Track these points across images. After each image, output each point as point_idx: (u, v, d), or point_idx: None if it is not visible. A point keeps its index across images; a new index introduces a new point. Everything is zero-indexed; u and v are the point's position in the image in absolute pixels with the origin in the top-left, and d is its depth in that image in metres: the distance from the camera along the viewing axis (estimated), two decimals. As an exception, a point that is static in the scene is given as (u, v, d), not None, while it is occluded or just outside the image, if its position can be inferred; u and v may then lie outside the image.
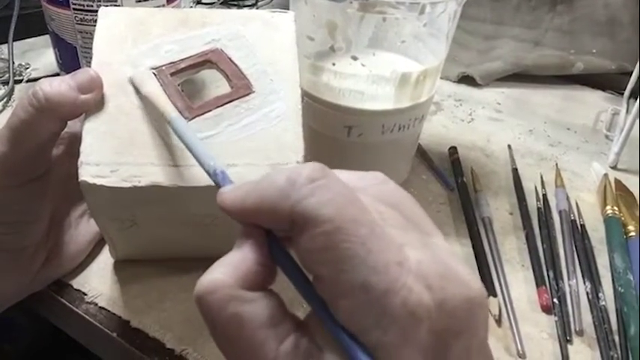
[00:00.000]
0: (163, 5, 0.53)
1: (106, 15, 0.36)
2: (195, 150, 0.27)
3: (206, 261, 0.40)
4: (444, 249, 0.21)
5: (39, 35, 0.70)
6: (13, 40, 0.64)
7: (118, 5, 0.49)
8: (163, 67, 0.34)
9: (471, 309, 0.19)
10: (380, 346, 0.18)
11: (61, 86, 0.31)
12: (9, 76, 0.62)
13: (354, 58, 0.44)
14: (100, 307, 0.37)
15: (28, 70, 0.66)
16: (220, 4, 0.87)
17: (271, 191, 0.20)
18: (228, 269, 0.20)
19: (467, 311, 0.19)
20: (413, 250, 0.19)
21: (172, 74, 0.34)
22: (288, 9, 0.44)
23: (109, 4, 0.49)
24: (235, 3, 0.90)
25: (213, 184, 0.32)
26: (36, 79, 0.64)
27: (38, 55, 0.68)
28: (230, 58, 0.35)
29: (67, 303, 0.38)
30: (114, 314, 0.37)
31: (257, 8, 0.88)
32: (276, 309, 0.20)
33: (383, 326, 0.18)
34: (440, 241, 0.22)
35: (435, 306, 0.18)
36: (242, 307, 0.20)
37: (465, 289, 0.19)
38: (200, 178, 0.32)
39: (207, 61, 0.35)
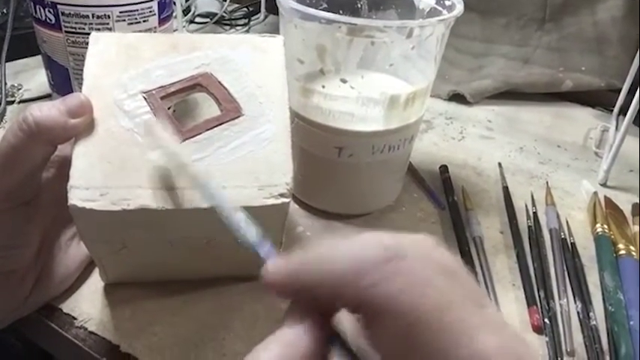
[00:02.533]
0: (155, 27, 0.53)
1: (97, 40, 0.36)
2: (233, 220, 0.26)
3: (197, 283, 0.40)
4: (500, 321, 0.20)
5: (31, 56, 0.70)
6: (6, 61, 0.64)
7: (110, 28, 0.49)
8: (153, 91, 0.35)
9: None
10: None
11: (51, 111, 0.32)
12: (1, 97, 0.62)
13: (344, 81, 0.44)
14: (90, 332, 0.37)
15: (20, 90, 0.66)
16: (212, 24, 0.88)
17: (337, 271, 0.20)
18: (286, 349, 0.20)
19: None
20: (489, 335, 0.19)
21: (162, 98, 0.35)
22: (278, 30, 0.44)
23: (100, 26, 0.49)
24: (227, 23, 0.90)
25: (201, 206, 0.32)
26: (28, 100, 0.64)
27: (31, 76, 0.69)
28: (220, 82, 0.36)
29: (57, 327, 0.38)
30: (103, 338, 0.37)
31: (249, 29, 0.89)
32: None
33: None
34: (493, 310, 0.21)
35: None
36: None
37: None
38: (189, 201, 0.32)
39: (197, 84, 0.36)
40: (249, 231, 0.25)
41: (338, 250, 0.20)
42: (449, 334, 0.18)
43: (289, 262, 0.22)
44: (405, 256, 0.19)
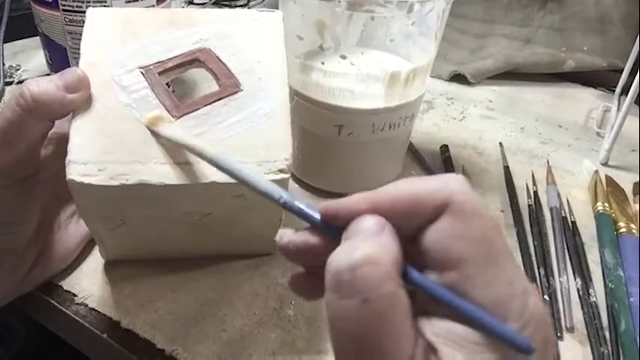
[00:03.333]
0: (153, 5, 0.52)
1: (93, 15, 0.36)
2: (254, 180, 0.25)
3: (197, 260, 0.40)
4: None
5: (29, 37, 0.70)
6: (4, 42, 0.64)
7: (108, 6, 0.49)
8: (151, 67, 0.34)
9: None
10: None
11: (48, 86, 0.31)
12: (-1, 78, 0.62)
13: (343, 57, 0.44)
14: (90, 308, 0.37)
15: (18, 71, 0.65)
16: (212, 4, 0.87)
17: (424, 183, 0.21)
18: (385, 248, 0.20)
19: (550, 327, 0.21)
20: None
21: (160, 73, 0.34)
22: (278, 9, 0.44)
23: (98, 4, 0.49)
24: (227, 3, 0.90)
25: (201, 181, 0.32)
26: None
27: (29, 57, 0.68)
28: (218, 57, 0.35)
29: (57, 304, 0.38)
30: (104, 315, 0.37)
31: (248, 8, 0.89)
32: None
33: (522, 319, 0.19)
34: None
35: (545, 315, 0.20)
36: (398, 289, 0.19)
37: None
38: (188, 176, 0.32)
39: (195, 60, 0.35)
40: (280, 189, 0.24)
41: (415, 177, 0.22)
42: (507, 249, 0.21)
43: (359, 194, 0.22)
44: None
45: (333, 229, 0.22)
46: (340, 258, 0.19)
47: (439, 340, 0.19)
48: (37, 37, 0.56)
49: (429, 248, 0.21)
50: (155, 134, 0.32)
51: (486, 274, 0.20)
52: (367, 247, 0.19)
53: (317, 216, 0.22)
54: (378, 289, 0.18)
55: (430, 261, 0.21)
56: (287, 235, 0.23)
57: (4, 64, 0.64)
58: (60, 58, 0.54)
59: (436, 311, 0.20)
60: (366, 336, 0.18)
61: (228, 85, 0.35)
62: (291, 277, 0.25)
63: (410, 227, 0.21)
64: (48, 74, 0.58)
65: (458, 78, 0.73)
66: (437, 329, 0.20)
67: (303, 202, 0.23)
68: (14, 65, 0.66)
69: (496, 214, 0.49)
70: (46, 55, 0.56)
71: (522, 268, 0.43)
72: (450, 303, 0.20)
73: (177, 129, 0.32)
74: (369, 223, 0.21)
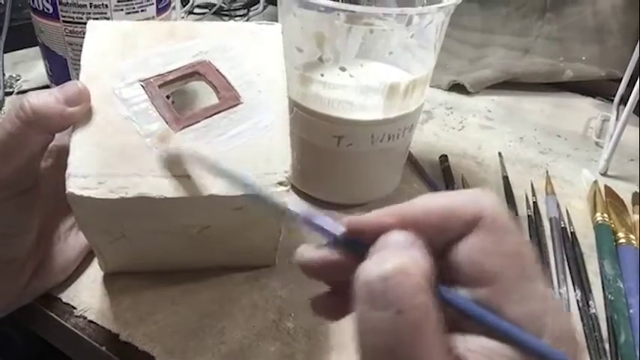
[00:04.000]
0: (153, 17, 0.53)
1: (94, 28, 0.36)
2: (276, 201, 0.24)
3: (196, 273, 0.40)
4: None
5: (30, 47, 0.70)
6: (4, 52, 0.64)
7: (108, 17, 0.49)
8: (151, 79, 0.34)
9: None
10: None
11: (48, 99, 0.31)
12: (-1, 88, 0.62)
13: (343, 69, 0.44)
14: (89, 321, 0.37)
15: (18, 81, 0.66)
16: (211, 14, 0.87)
17: (456, 196, 0.21)
18: (416, 260, 0.19)
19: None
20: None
21: (160, 86, 0.34)
22: (277, 20, 0.44)
23: (98, 16, 0.49)
24: (226, 13, 0.90)
25: (200, 194, 0.32)
26: (27, 91, 0.64)
27: (29, 67, 0.68)
28: (218, 70, 0.35)
29: (56, 317, 0.38)
30: (103, 327, 0.37)
31: (248, 19, 0.89)
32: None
33: (557, 336, 0.19)
34: None
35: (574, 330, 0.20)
36: (431, 301, 0.19)
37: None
38: (187, 189, 0.32)
39: (195, 72, 0.35)
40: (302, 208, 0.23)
41: (444, 192, 0.22)
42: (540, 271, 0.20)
43: (387, 208, 0.22)
44: None
45: (355, 245, 0.21)
46: (370, 268, 0.19)
47: (473, 355, 0.19)
48: (37, 47, 0.56)
49: (460, 263, 0.21)
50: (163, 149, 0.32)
51: (520, 290, 0.20)
52: (398, 258, 0.19)
53: (337, 231, 0.22)
54: (412, 299, 0.18)
55: (462, 276, 0.21)
56: (307, 251, 0.23)
57: (4, 75, 0.64)
58: (60, 68, 0.54)
59: (469, 327, 0.20)
60: (400, 348, 0.18)
61: (228, 98, 0.35)
62: (312, 300, 0.25)
63: (440, 242, 0.21)
64: (48, 85, 0.58)
65: (457, 88, 0.74)
66: (470, 345, 0.20)
67: (320, 216, 0.22)
68: (14, 75, 0.66)
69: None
70: (46, 65, 0.56)
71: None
72: (481, 319, 0.20)
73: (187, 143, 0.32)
74: (399, 237, 0.20)
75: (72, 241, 0.40)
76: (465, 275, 0.20)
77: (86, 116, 0.33)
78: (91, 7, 0.49)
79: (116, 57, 0.35)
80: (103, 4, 0.49)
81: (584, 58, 0.76)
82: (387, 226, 0.21)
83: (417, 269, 0.19)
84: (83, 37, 0.36)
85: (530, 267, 0.20)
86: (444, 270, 0.21)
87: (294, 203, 0.24)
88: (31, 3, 0.51)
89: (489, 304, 0.20)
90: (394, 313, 0.18)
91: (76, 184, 0.31)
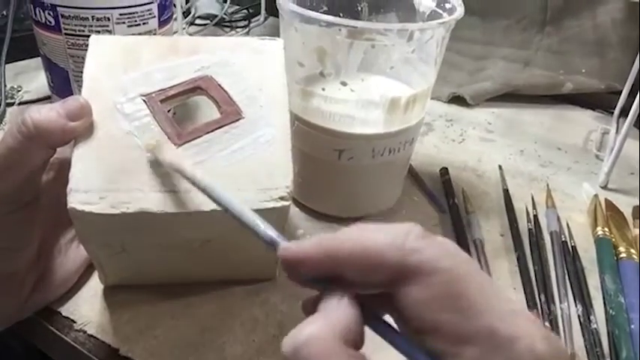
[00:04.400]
0: (155, 30, 0.53)
1: (96, 42, 0.36)
2: (245, 216, 0.25)
3: (197, 287, 0.40)
4: None
5: (31, 58, 0.70)
6: (5, 63, 0.64)
7: (110, 30, 0.49)
8: (153, 94, 0.34)
9: None
10: None
11: (50, 114, 0.31)
12: (1, 99, 0.62)
13: (344, 84, 0.44)
14: (89, 335, 0.37)
15: (20, 92, 0.66)
16: (213, 25, 0.88)
17: (381, 240, 0.20)
18: (328, 324, 0.20)
19: None
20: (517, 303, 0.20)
21: (162, 101, 0.34)
22: (278, 32, 0.44)
23: (100, 29, 0.49)
24: (228, 25, 0.90)
25: (201, 209, 0.32)
26: (28, 102, 0.64)
27: (30, 78, 0.68)
28: (220, 85, 0.36)
29: (56, 331, 0.37)
30: (103, 342, 0.36)
31: (249, 31, 0.89)
32: None
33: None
34: None
35: (551, 355, 0.19)
36: None
37: (562, 344, 0.20)
38: (188, 204, 0.32)
39: (197, 87, 0.35)
40: (268, 227, 0.24)
41: (375, 227, 0.21)
42: (488, 290, 0.20)
43: (321, 239, 0.21)
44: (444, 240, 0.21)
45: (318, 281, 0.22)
46: (286, 341, 0.20)
47: None
48: (39, 58, 0.56)
49: (402, 313, 0.20)
50: (154, 160, 0.32)
51: (461, 332, 0.19)
52: (311, 325, 0.19)
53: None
54: None
55: (410, 326, 0.20)
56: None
57: (5, 85, 0.64)
58: (62, 80, 0.54)
59: None
60: None
61: (230, 113, 0.35)
62: (303, 302, 0.25)
63: (376, 282, 0.21)
64: (49, 96, 0.58)
65: (457, 100, 0.74)
66: None
67: (287, 241, 0.23)
68: (16, 86, 0.67)
69: (496, 237, 0.49)
70: (47, 77, 0.56)
71: (522, 294, 0.43)
72: None
73: (175, 155, 0.32)
74: (331, 302, 0.21)
75: (72, 254, 0.40)
76: (411, 327, 0.20)
77: (88, 131, 0.33)
78: (93, 19, 0.49)
79: (118, 71, 0.35)
80: (105, 17, 0.49)
81: (584, 70, 0.76)
82: (318, 263, 0.21)
83: (333, 331, 0.19)
84: (85, 50, 0.36)
85: (469, 302, 0.19)
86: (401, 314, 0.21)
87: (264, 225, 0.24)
88: (34, 15, 0.51)
89: (437, 351, 0.19)
90: None
91: (77, 199, 0.31)
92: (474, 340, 0.19)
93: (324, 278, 0.21)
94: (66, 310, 0.38)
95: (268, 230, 0.23)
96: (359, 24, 0.38)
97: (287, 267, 0.22)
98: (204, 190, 0.28)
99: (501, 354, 0.18)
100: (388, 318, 0.22)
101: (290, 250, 0.22)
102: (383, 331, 0.21)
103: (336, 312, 0.20)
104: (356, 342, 0.20)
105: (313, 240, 0.21)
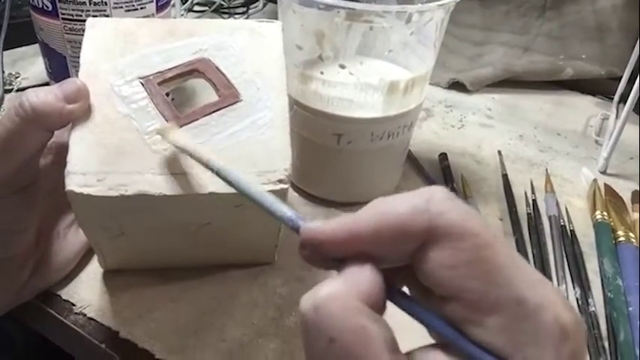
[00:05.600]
0: (153, 15, 0.53)
1: (93, 25, 0.36)
2: (261, 198, 0.24)
3: (196, 270, 0.40)
4: None
5: (29, 44, 0.70)
6: (3, 49, 0.64)
7: (107, 15, 0.49)
8: (151, 77, 0.34)
9: (586, 334, 0.19)
10: None
11: (48, 96, 0.31)
12: (-1, 86, 0.62)
13: (342, 67, 0.44)
14: (89, 318, 0.37)
15: (18, 79, 0.66)
16: (211, 12, 0.87)
17: (403, 207, 0.19)
18: (351, 283, 0.19)
19: (585, 334, 0.19)
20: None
21: (160, 83, 0.34)
22: (277, 18, 0.44)
23: (97, 13, 0.49)
24: (226, 11, 0.90)
25: (199, 192, 0.32)
26: (26, 89, 0.64)
27: (28, 65, 0.68)
28: (217, 68, 0.35)
29: (56, 314, 0.38)
30: (102, 325, 0.37)
31: (247, 17, 0.89)
32: (394, 337, 0.19)
33: (539, 342, 0.18)
34: None
35: (574, 326, 0.18)
36: (369, 323, 0.18)
37: (579, 314, 0.19)
38: (187, 187, 0.32)
39: (194, 70, 0.35)
40: (288, 209, 0.23)
41: (395, 197, 0.20)
42: (517, 258, 0.19)
43: (343, 218, 0.21)
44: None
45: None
46: (304, 300, 0.19)
47: None
48: (37, 45, 0.56)
49: (427, 278, 0.20)
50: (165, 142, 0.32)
51: (488, 299, 0.18)
52: (331, 284, 0.19)
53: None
54: (344, 325, 0.18)
55: (432, 292, 0.20)
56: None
57: (3, 72, 0.64)
58: (59, 66, 0.54)
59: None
60: None
61: (228, 96, 0.35)
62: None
63: (401, 253, 0.20)
64: (47, 82, 0.58)
65: (457, 86, 0.73)
66: None
67: (310, 222, 0.22)
68: (14, 73, 0.66)
69: (495, 222, 0.49)
70: (45, 63, 0.56)
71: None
72: (442, 333, 0.19)
73: (186, 138, 0.31)
74: (352, 267, 0.20)
75: (71, 238, 0.40)
76: (434, 290, 0.20)
77: (85, 113, 0.33)
78: (90, 4, 0.49)
79: (116, 54, 0.35)
80: (102, 1, 0.49)
81: (584, 56, 0.76)
82: (341, 244, 0.20)
83: (353, 291, 0.19)
84: (82, 35, 0.36)
85: (497, 270, 0.18)
86: (422, 282, 0.20)
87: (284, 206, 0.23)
88: (31, 1, 0.51)
89: (459, 319, 0.19)
90: (327, 341, 0.18)
91: (75, 182, 0.31)
92: (500, 309, 0.18)
93: (346, 258, 0.20)
94: (65, 293, 0.39)
95: (288, 212, 0.23)
96: (357, 6, 0.38)
97: (309, 248, 0.21)
98: (217, 173, 0.27)
99: (528, 323, 0.18)
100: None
101: (313, 230, 0.21)
102: (405, 304, 0.20)
103: (358, 275, 0.19)
104: (378, 306, 0.19)
105: (335, 220, 0.21)
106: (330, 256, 0.21)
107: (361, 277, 0.19)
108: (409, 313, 0.20)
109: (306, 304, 0.19)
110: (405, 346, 0.19)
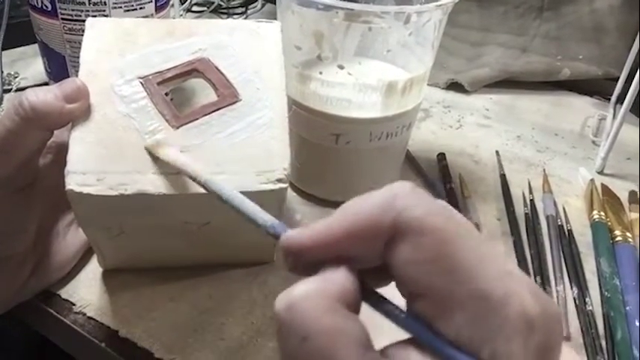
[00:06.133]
0: (152, 15, 0.53)
1: (93, 25, 0.36)
2: (243, 207, 0.25)
3: (195, 270, 0.40)
4: None
5: (28, 44, 0.70)
6: (2, 49, 0.64)
7: (106, 15, 0.49)
8: (150, 77, 0.34)
9: (559, 323, 0.19)
10: (501, 357, 0.17)
11: (47, 96, 0.31)
12: (-2, 86, 0.62)
13: (341, 67, 0.44)
14: (89, 317, 0.37)
15: (17, 79, 0.66)
16: (210, 12, 0.87)
17: (370, 206, 0.20)
18: (324, 283, 0.19)
19: (558, 325, 0.19)
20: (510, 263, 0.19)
21: (159, 83, 0.35)
22: (276, 19, 0.44)
23: (97, 13, 0.49)
24: (225, 12, 0.90)
25: (199, 191, 0.32)
26: (25, 88, 0.64)
27: (27, 64, 0.68)
28: (217, 67, 0.36)
29: (55, 313, 0.38)
30: (102, 324, 0.37)
31: (246, 17, 0.89)
32: (368, 335, 0.19)
33: (504, 336, 0.17)
34: None
35: (541, 317, 0.18)
36: (342, 321, 0.18)
37: (553, 303, 0.19)
38: (186, 186, 0.32)
39: (193, 70, 0.35)
40: (269, 218, 0.24)
41: (366, 196, 0.20)
42: (482, 251, 0.18)
43: (312, 226, 0.21)
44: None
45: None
46: (280, 299, 0.19)
47: None
48: (36, 45, 0.56)
49: (395, 277, 0.20)
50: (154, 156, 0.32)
51: (453, 296, 0.18)
52: (306, 284, 0.19)
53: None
54: (316, 324, 0.18)
55: (403, 290, 0.20)
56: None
57: (2, 72, 0.64)
58: (59, 66, 0.54)
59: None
60: None
61: (227, 95, 0.35)
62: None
63: (374, 252, 0.20)
64: (46, 82, 0.58)
65: (455, 86, 0.74)
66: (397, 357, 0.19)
67: (290, 230, 0.22)
68: (12, 73, 0.66)
69: (493, 221, 0.50)
70: (44, 63, 0.56)
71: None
72: (413, 333, 0.19)
73: (175, 153, 0.32)
74: (327, 269, 0.20)
75: (71, 237, 0.40)
76: (403, 287, 0.20)
77: (85, 113, 0.33)
78: (89, 4, 0.49)
79: (115, 54, 0.35)
80: (101, 1, 0.49)
81: (581, 56, 0.76)
82: (319, 251, 0.20)
83: (328, 290, 0.19)
84: (81, 35, 0.36)
85: (459, 265, 0.18)
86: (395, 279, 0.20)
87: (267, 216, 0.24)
88: (30, 0, 0.51)
89: (428, 315, 0.19)
90: (301, 340, 0.18)
91: (75, 181, 0.31)
92: (465, 305, 0.18)
93: (324, 262, 0.20)
94: (65, 292, 0.39)
95: (269, 221, 0.23)
96: (356, 6, 0.38)
97: (290, 256, 0.21)
98: (204, 186, 0.28)
99: (493, 317, 0.18)
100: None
101: (291, 238, 0.21)
102: (377, 303, 0.20)
103: (333, 275, 0.19)
104: (353, 306, 0.19)
105: (311, 226, 0.21)
106: (310, 262, 0.21)
107: (335, 277, 0.19)
108: (381, 312, 0.20)
109: (280, 304, 0.19)
110: (381, 344, 0.19)
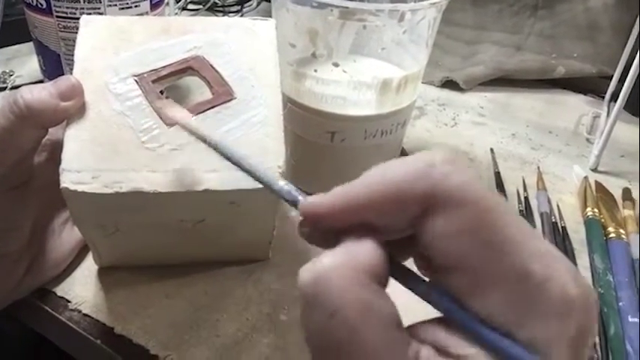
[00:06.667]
0: (147, 13, 0.53)
1: (87, 23, 0.36)
2: (257, 171, 0.24)
3: (190, 267, 0.40)
4: None
5: (23, 42, 0.70)
6: (-3, 48, 0.64)
7: (101, 13, 0.49)
8: (145, 75, 0.35)
9: (597, 307, 0.18)
10: (539, 340, 0.17)
11: (42, 93, 0.32)
12: (-7, 84, 0.62)
13: (336, 65, 0.44)
14: (84, 314, 0.37)
15: (12, 77, 0.65)
16: (205, 10, 0.87)
17: (404, 173, 0.18)
18: (352, 254, 0.18)
19: (595, 309, 0.18)
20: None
21: (154, 81, 0.35)
22: (271, 16, 0.44)
23: (91, 11, 0.49)
24: (220, 9, 0.90)
25: (194, 189, 0.32)
26: (20, 86, 0.63)
27: (22, 62, 0.68)
28: (211, 65, 0.36)
29: (51, 310, 0.38)
30: (97, 321, 0.37)
31: (241, 15, 0.89)
32: (398, 314, 0.18)
33: (544, 317, 0.16)
34: None
35: (581, 299, 0.17)
36: (372, 296, 0.17)
37: (590, 287, 0.18)
38: (181, 184, 0.32)
39: (188, 67, 0.36)
40: (286, 183, 0.23)
41: (396, 161, 0.19)
42: (524, 226, 0.18)
43: (341, 188, 0.19)
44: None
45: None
46: (303, 272, 0.18)
47: (425, 348, 0.18)
48: (31, 43, 0.56)
49: (427, 250, 0.18)
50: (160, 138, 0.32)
51: (491, 270, 0.17)
52: (331, 257, 0.18)
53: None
54: (343, 298, 0.17)
55: (433, 262, 0.18)
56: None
57: (-3, 70, 0.64)
58: (54, 64, 0.54)
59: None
60: (339, 349, 0.17)
61: (222, 93, 0.35)
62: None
63: (403, 222, 0.19)
64: (41, 80, 0.58)
65: (449, 84, 0.74)
66: (428, 336, 0.18)
67: (309, 197, 0.21)
68: (7, 71, 0.66)
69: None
70: (39, 61, 0.56)
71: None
72: (444, 312, 0.18)
73: (187, 114, 0.32)
74: (351, 239, 0.19)
75: (66, 235, 0.40)
76: (435, 263, 0.18)
77: (80, 111, 0.33)
78: (84, 2, 0.49)
79: (110, 52, 0.35)
80: (96, -1, 0.49)
81: (575, 55, 0.76)
82: (339, 217, 0.19)
83: (355, 264, 0.17)
84: (76, 33, 0.36)
85: (500, 239, 0.17)
86: (423, 252, 0.19)
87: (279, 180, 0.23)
88: (25, -2, 0.51)
89: (461, 291, 0.18)
90: (328, 315, 0.17)
91: (70, 179, 0.31)
92: (504, 281, 0.17)
93: (346, 231, 0.19)
94: (60, 289, 0.39)
95: (286, 186, 0.22)
96: (350, 4, 0.39)
97: (309, 224, 0.20)
98: (215, 148, 0.27)
99: (533, 297, 0.17)
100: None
101: (311, 204, 0.20)
102: (406, 278, 0.19)
103: (360, 246, 0.18)
104: (380, 280, 0.18)
105: (333, 191, 0.20)
106: (331, 230, 0.19)
107: (363, 249, 0.18)
108: (410, 288, 0.19)
109: (305, 276, 0.17)
110: (408, 322, 0.18)
